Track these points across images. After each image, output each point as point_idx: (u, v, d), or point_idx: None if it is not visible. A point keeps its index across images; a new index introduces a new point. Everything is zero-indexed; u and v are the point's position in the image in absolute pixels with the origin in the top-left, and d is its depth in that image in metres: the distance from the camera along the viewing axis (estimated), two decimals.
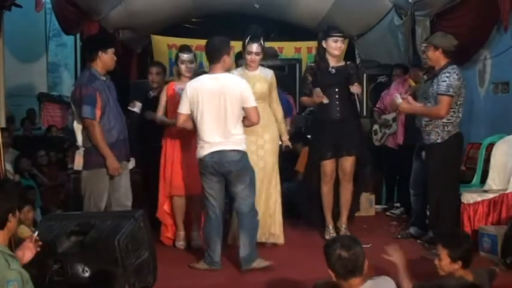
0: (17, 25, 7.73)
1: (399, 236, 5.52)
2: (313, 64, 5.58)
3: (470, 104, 6.41)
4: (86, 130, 4.71)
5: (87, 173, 4.77)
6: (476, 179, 5.64)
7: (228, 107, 4.47)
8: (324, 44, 5.40)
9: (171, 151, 5.26)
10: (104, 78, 4.81)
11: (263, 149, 5.25)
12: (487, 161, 5.54)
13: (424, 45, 5.10)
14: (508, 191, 5.12)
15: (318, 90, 5.27)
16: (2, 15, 5.95)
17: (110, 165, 4.69)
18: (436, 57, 4.93)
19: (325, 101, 5.23)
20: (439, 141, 4.88)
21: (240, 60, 5.84)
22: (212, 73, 4.58)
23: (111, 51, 4.82)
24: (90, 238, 3.57)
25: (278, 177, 5.33)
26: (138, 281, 3.61)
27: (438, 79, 4.85)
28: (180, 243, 5.30)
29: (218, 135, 4.49)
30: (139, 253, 3.68)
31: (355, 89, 5.29)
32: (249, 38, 5.18)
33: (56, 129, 9.96)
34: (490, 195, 5.12)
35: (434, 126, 4.89)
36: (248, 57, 5.21)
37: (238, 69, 5.39)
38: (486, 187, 5.33)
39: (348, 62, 5.67)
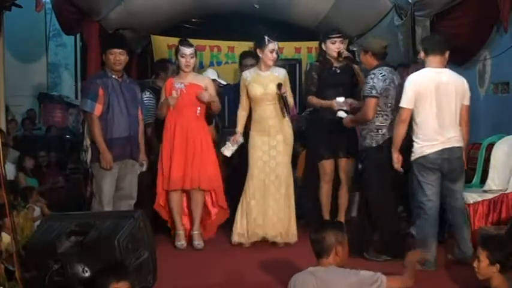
0: (17, 25, 7.71)
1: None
2: (317, 63, 5.61)
3: (471, 104, 6.40)
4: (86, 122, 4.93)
5: (92, 166, 4.97)
6: (476, 179, 5.63)
7: (451, 102, 4.49)
8: (323, 46, 5.47)
9: (168, 146, 5.25)
10: (116, 77, 5.00)
11: (275, 149, 5.30)
12: (487, 161, 5.54)
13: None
14: (508, 191, 5.12)
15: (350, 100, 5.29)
16: (2, 15, 5.95)
17: (102, 158, 4.85)
18: (366, 60, 4.94)
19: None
20: (373, 145, 4.83)
21: (246, 59, 5.85)
22: (435, 67, 4.53)
23: (108, 52, 4.98)
24: (90, 238, 3.57)
25: (292, 178, 5.38)
26: (138, 281, 3.60)
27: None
28: (180, 243, 5.30)
29: (445, 132, 4.47)
30: (139, 253, 3.68)
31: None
32: (267, 37, 5.21)
33: (56, 129, 9.97)
34: (490, 195, 5.13)
35: (368, 131, 4.85)
36: (270, 55, 5.25)
37: (251, 70, 5.40)
38: (486, 187, 5.33)
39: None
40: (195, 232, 5.33)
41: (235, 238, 5.26)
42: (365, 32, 9.31)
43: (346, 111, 5.17)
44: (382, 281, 3.18)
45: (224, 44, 10.53)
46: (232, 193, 5.59)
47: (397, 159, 4.59)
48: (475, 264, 3.47)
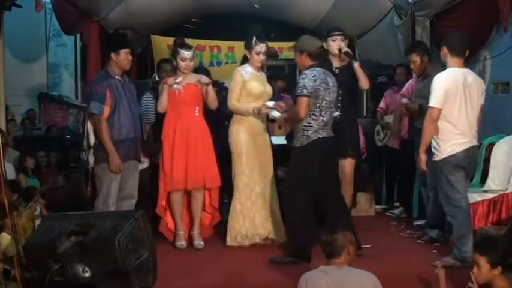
0: (17, 25, 7.71)
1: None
2: None
3: None
4: (93, 125, 4.87)
5: (97, 168, 4.94)
6: (476, 179, 5.63)
7: (473, 101, 4.54)
8: (325, 45, 5.45)
9: (169, 146, 5.25)
10: (119, 78, 4.98)
11: (262, 147, 5.33)
12: (487, 161, 5.54)
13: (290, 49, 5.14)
14: (508, 191, 5.13)
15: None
16: (2, 15, 5.95)
17: (111, 161, 4.83)
18: (301, 61, 4.94)
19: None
20: (297, 145, 4.79)
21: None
22: (459, 67, 4.57)
23: (123, 52, 4.96)
24: (90, 238, 3.56)
25: (273, 175, 5.39)
26: (138, 281, 3.61)
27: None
28: (180, 243, 5.30)
29: (473, 130, 4.56)
30: (139, 253, 3.67)
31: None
32: (255, 38, 5.18)
33: (56, 129, 9.97)
34: (490, 195, 5.13)
35: (297, 131, 4.83)
36: (256, 57, 5.26)
37: (245, 67, 5.38)
38: (486, 187, 5.34)
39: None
40: (195, 232, 5.32)
41: (229, 240, 5.25)
42: (365, 32, 9.34)
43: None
44: None
45: (224, 44, 10.54)
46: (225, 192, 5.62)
47: (424, 160, 4.59)
48: (474, 270, 3.45)
